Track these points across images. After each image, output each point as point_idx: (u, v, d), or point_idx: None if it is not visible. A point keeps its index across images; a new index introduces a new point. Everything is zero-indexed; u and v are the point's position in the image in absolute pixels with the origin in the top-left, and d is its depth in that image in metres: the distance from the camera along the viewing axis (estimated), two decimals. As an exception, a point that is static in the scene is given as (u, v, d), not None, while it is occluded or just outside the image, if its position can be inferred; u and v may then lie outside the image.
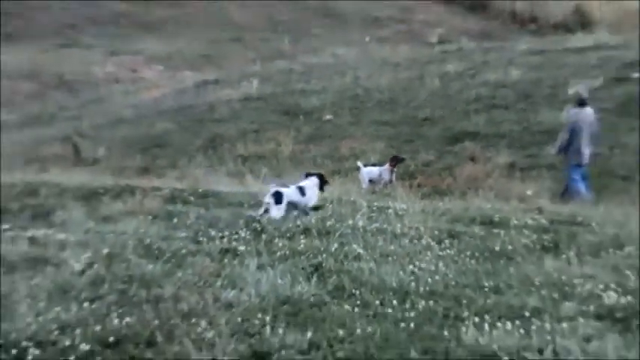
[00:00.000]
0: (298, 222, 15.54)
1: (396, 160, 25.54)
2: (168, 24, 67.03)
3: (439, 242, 14.53)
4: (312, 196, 17.29)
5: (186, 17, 68.35)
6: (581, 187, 24.29)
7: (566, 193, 23.92)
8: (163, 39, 63.55)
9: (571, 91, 25.86)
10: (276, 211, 16.27)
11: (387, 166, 25.40)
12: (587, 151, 24.58)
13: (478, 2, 71.26)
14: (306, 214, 16.78)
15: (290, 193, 16.84)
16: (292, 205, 16.72)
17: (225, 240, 13.91)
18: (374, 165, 26.10)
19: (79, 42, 63.25)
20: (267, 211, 16.48)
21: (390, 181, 24.92)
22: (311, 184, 17.30)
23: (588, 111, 24.67)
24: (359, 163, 26.37)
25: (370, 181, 25.10)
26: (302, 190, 17.03)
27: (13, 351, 8.96)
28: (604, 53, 40.67)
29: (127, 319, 9.73)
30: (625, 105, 33.46)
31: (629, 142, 30.34)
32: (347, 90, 40.13)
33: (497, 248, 14.28)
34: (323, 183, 17.55)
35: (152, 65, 57.76)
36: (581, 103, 24.58)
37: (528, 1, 68.86)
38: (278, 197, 16.58)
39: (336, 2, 72.39)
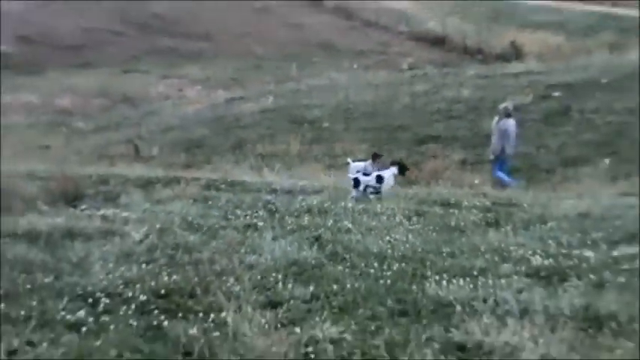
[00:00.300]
0: (303, 203, 15.54)
1: (376, 157, 25.56)
2: (205, 55, 66.99)
3: (409, 219, 14.58)
4: (389, 181, 17.78)
5: (218, 50, 68.33)
6: (504, 176, 24.79)
7: (503, 184, 24.13)
8: (201, 66, 63.55)
9: (501, 106, 25.97)
10: (355, 193, 17.35)
11: (369, 161, 25.44)
12: (511, 151, 25.00)
13: (439, 38, 71.21)
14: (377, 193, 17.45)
15: (368, 179, 17.86)
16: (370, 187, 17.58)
17: (247, 217, 13.93)
18: (360, 160, 26.12)
19: (138, 69, 63.26)
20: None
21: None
22: (389, 172, 17.71)
23: (512, 121, 24.97)
24: (348, 159, 26.38)
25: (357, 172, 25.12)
26: (380, 178, 17.67)
27: (89, 300, 8.98)
28: (532, 77, 40.70)
29: (174, 277, 9.76)
30: (548, 116, 33.56)
31: (551, 144, 30.54)
32: (340, 105, 40.14)
33: (452, 223, 14.35)
34: (403, 170, 18.15)
35: (193, 86, 57.71)
36: (508, 115, 24.83)
37: (476, 38, 68.88)
38: (356, 183, 17.62)
39: (330, 39, 72.35)
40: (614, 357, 7.91)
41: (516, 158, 28.92)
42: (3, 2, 70.99)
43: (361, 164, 25.32)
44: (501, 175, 24.90)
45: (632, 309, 9.11)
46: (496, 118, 25.43)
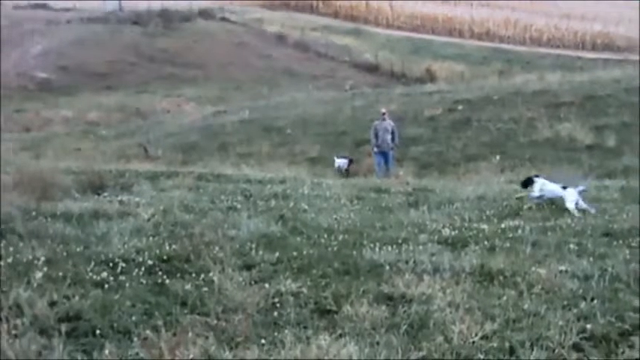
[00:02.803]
0: (271, 190, 15.48)
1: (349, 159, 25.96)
2: (198, 79, 66.78)
3: (351, 202, 14.55)
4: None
5: (208, 75, 68.06)
6: (381, 167, 24.99)
7: (379, 172, 24.29)
8: (195, 88, 63.35)
9: (383, 109, 26.21)
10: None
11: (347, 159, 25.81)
12: (396, 142, 25.63)
13: (373, 66, 71.35)
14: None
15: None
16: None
17: (229, 201, 13.85)
18: (342, 157, 26.62)
19: (148, 90, 63.10)
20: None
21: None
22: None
23: (388, 121, 25.56)
24: (335, 156, 26.89)
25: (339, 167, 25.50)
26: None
27: (110, 264, 8.94)
28: (442, 95, 40.71)
29: (174, 246, 9.71)
30: (454, 124, 33.63)
31: (457, 145, 30.67)
32: (299, 116, 39.99)
33: (383, 205, 14.34)
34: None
35: (189, 103, 57.47)
36: (384, 118, 25.36)
37: (401, 65, 69.00)
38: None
39: (292, 66, 72.31)
40: (502, 302, 7.97)
41: (430, 156, 29.27)
42: (45, 40, 70.81)
43: (343, 159, 25.73)
44: (380, 166, 24.99)
45: (515, 266, 9.19)
46: (378, 121, 25.50)
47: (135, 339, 6.89)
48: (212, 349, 6.72)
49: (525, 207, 13.78)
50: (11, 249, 9.33)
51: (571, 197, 13.47)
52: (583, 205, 13.45)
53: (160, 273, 8.76)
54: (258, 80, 66.42)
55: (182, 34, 79.42)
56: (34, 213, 11.56)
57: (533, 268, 9.08)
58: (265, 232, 11.04)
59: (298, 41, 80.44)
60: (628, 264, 9.28)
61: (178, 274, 8.79)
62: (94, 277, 8.51)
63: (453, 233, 11.26)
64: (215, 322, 7.38)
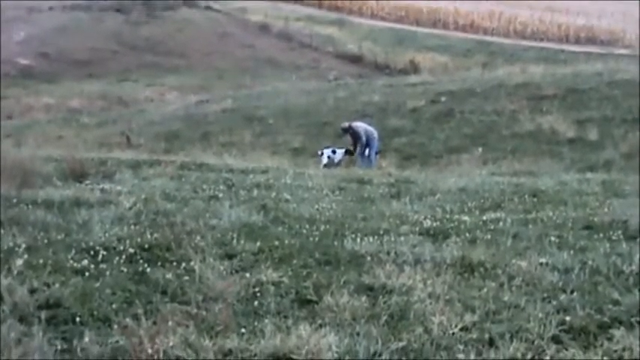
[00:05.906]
0: (253, 180, 15.47)
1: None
2: (180, 68, 66.61)
3: (333, 192, 14.53)
4: None
5: (190, 65, 67.91)
6: (363, 158, 25.06)
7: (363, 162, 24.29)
8: (178, 77, 63.22)
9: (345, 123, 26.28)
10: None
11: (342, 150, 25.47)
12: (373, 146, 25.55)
13: (356, 57, 71.37)
14: None
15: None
16: None
17: (211, 190, 13.81)
18: (328, 147, 26.30)
19: (130, 78, 63.08)
20: None
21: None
22: None
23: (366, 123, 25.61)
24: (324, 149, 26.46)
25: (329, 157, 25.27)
26: None
27: (91, 252, 8.92)
28: (426, 87, 40.71)
29: (155, 235, 9.66)
30: (437, 116, 33.72)
31: (439, 136, 30.78)
32: (282, 106, 39.90)
33: (365, 195, 14.34)
34: None
35: (171, 92, 57.39)
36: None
37: (384, 57, 69.01)
38: None
39: (275, 56, 72.21)
40: (482, 294, 8.00)
41: (413, 147, 29.35)
42: (28, 27, 70.48)
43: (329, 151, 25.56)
44: (367, 159, 25.01)
45: (495, 258, 9.22)
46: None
47: (115, 327, 6.88)
48: (192, 338, 6.72)
49: (507, 199, 13.86)
50: (-9, 236, 9.32)
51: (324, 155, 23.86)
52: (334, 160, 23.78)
53: (141, 261, 8.74)
54: (241, 70, 66.31)
55: (165, 22, 79.23)
56: (15, 200, 11.49)
57: (513, 261, 9.09)
58: (247, 222, 11.01)
59: (282, 31, 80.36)
60: (608, 257, 9.30)
61: (159, 263, 8.77)
62: (75, 264, 8.48)
63: (434, 225, 11.24)
64: (195, 310, 7.37)
